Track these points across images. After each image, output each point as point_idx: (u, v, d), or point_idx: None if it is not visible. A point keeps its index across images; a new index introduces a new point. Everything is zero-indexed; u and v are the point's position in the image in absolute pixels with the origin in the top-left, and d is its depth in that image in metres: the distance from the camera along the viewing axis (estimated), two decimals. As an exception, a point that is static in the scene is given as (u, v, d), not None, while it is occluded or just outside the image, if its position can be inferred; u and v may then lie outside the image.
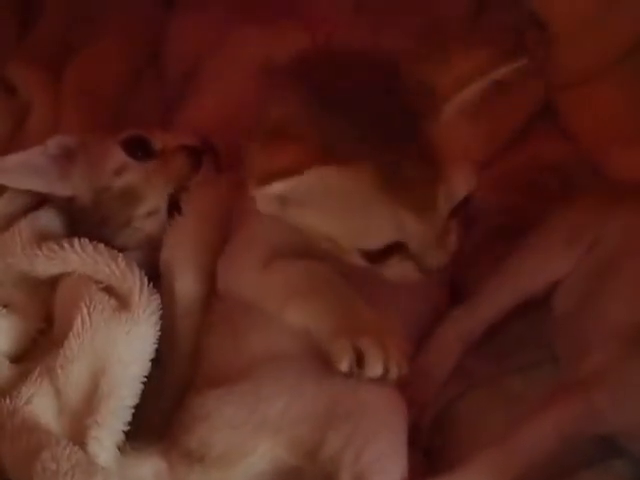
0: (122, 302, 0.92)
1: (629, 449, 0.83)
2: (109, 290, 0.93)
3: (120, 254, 0.95)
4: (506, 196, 1.08)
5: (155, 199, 1.02)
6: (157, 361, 0.92)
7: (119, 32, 1.27)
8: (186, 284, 0.96)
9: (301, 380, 0.85)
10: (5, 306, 0.99)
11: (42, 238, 0.99)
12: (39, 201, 1.05)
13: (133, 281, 0.92)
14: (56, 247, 0.96)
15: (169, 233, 0.98)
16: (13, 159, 1.02)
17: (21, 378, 0.90)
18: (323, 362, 0.83)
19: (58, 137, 1.05)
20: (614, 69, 1.12)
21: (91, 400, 0.87)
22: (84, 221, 1.03)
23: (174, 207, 1.01)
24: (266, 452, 0.83)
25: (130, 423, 0.88)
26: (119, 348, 0.89)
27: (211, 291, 0.95)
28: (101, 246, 0.95)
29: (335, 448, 0.81)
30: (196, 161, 1.03)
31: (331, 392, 0.83)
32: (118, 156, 1.03)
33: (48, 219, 1.04)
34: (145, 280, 0.93)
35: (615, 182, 1.06)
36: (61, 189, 1.03)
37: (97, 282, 0.93)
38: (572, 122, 1.13)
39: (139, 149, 1.03)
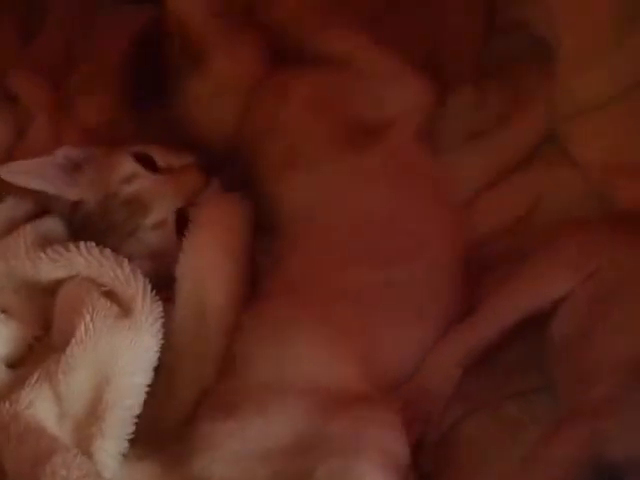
0: (125, 309, 0.92)
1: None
2: (112, 297, 0.93)
3: (125, 259, 0.95)
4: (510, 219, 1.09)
5: (162, 211, 1.02)
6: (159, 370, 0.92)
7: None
8: (216, 294, 0.96)
9: (309, 417, 0.85)
10: (3, 311, 0.98)
11: (47, 242, 0.99)
12: (42, 210, 1.05)
13: (136, 288, 0.92)
14: (62, 249, 0.96)
15: (186, 245, 0.98)
16: (22, 164, 1.02)
17: (18, 383, 0.89)
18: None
19: (65, 148, 1.05)
20: (623, 99, 1.10)
21: (95, 409, 0.87)
22: (88, 229, 1.02)
23: (182, 225, 1.01)
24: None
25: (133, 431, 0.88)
26: (123, 356, 0.89)
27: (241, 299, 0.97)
28: (107, 250, 0.95)
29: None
30: (206, 179, 1.04)
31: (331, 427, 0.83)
32: (129, 164, 1.02)
33: (53, 225, 1.03)
34: (148, 287, 0.93)
35: (622, 211, 1.06)
36: (68, 193, 1.03)
37: (100, 285, 0.93)
38: (579, 152, 1.12)
39: (147, 163, 1.03)
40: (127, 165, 1.02)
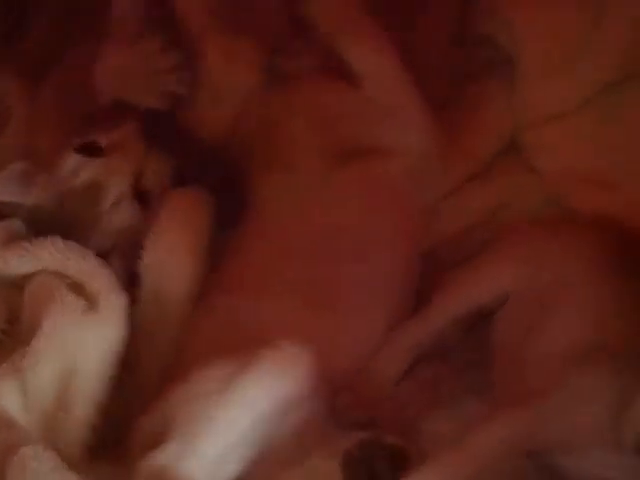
0: (91, 302, 0.92)
1: (561, 464, 0.88)
2: (78, 290, 0.94)
3: (90, 252, 0.96)
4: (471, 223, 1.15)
5: (117, 188, 1.03)
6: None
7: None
8: (176, 288, 0.98)
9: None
10: (-30, 306, 0.99)
11: (13, 240, 0.99)
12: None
13: (102, 281, 0.93)
14: (27, 244, 0.96)
15: (151, 238, 1.00)
16: None
17: (-16, 376, 0.90)
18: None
19: (16, 164, 1.05)
20: (581, 109, 1.15)
21: (61, 401, 0.88)
22: (52, 232, 1.02)
23: (142, 199, 1.03)
24: None
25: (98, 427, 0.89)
26: (89, 349, 0.90)
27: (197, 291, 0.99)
28: (73, 243, 0.96)
29: None
30: (146, 143, 1.05)
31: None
32: (70, 158, 1.04)
33: (19, 227, 1.03)
34: (114, 280, 0.94)
35: (572, 215, 1.11)
36: (23, 199, 1.04)
37: (67, 278, 0.94)
38: (538, 159, 1.16)
39: (90, 152, 1.04)
40: (69, 160, 1.03)
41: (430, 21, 1.20)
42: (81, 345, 0.89)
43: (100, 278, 0.93)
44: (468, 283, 1.03)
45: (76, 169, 1.03)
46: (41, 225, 1.03)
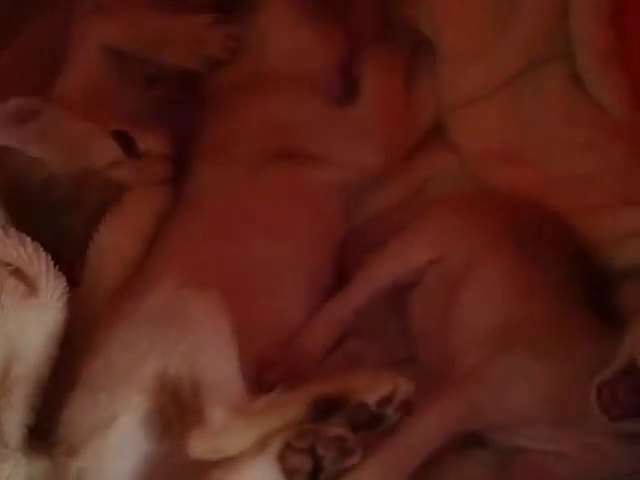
0: (30, 287, 0.94)
1: (494, 439, 0.93)
2: (18, 275, 0.94)
3: (28, 238, 0.96)
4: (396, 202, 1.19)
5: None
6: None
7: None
8: (109, 273, 1.01)
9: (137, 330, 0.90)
10: None
11: None
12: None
13: (40, 266, 0.94)
14: None
15: (106, 224, 1.03)
16: None
17: None
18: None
19: (17, 99, 1.05)
20: (500, 90, 1.20)
21: (4, 383, 0.89)
22: (44, 203, 1.05)
23: None
24: (128, 407, 0.87)
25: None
26: (30, 332, 0.91)
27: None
28: (11, 230, 0.96)
29: (175, 370, 0.86)
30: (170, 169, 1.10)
31: (157, 324, 0.89)
32: (113, 149, 1.06)
33: None
34: (51, 265, 0.95)
35: (490, 192, 1.16)
36: (24, 145, 1.04)
37: (6, 265, 0.94)
38: (460, 140, 1.21)
39: (128, 145, 1.07)
40: (110, 149, 1.06)
41: (361, 6, 1.24)
42: (21, 329, 0.91)
43: (38, 263, 0.94)
44: (386, 261, 1.07)
45: (114, 163, 1.06)
46: (35, 187, 1.05)
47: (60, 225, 1.04)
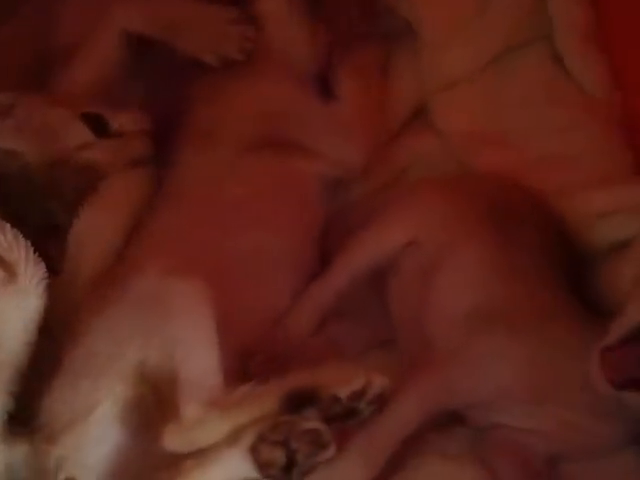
0: (10, 273, 0.93)
1: (472, 416, 0.94)
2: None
3: (7, 224, 0.95)
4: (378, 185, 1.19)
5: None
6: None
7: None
8: (89, 261, 1.01)
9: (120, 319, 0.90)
10: None
11: None
12: None
13: (19, 252, 0.94)
14: None
15: (86, 211, 1.03)
16: None
17: None
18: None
19: None
20: (482, 73, 1.21)
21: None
22: (20, 187, 1.04)
23: None
24: (109, 396, 0.87)
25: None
26: (10, 319, 0.91)
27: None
28: (-13, 216, 0.97)
29: (155, 361, 0.87)
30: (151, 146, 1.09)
31: (139, 313, 0.89)
32: (82, 131, 1.05)
33: None
34: (31, 251, 0.95)
35: (473, 174, 1.17)
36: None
37: (-15, 251, 0.95)
38: (442, 122, 1.22)
39: (98, 126, 1.06)
40: (77, 132, 1.05)
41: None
42: (2, 314, 0.91)
43: (18, 250, 0.94)
44: (366, 244, 1.07)
45: (84, 146, 1.05)
46: (13, 183, 1.04)
47: (41, 212, 1.03)
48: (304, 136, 1.13)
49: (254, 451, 0.81)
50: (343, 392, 0.83)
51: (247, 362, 0.99)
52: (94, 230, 1.03)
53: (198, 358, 0.86)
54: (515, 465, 0.90)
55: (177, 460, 0.84)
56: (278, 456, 0.81)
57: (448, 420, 0.93)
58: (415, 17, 1.22)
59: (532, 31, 1.20)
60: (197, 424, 0.83)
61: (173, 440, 0.84)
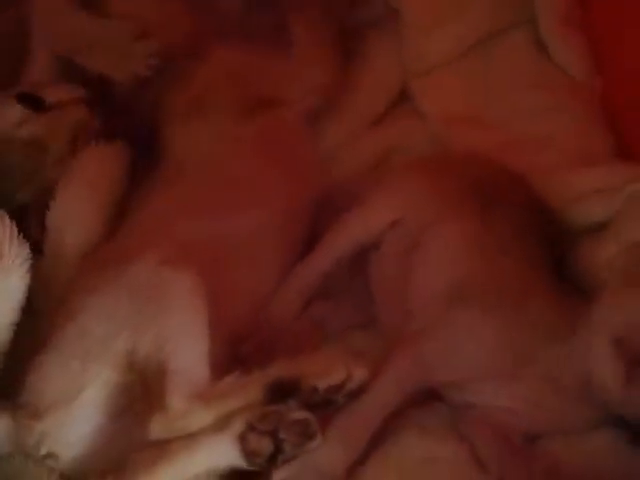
0: (-7, 253, 0.95)
1: (447, 396, 0.95)
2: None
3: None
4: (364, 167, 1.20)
5: (59, 149, 1.06)
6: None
7: None
8: (74, 242, 1.01)
9: (115, 302, 0.90)
10: None
11: None
12: None
13: (3, 232, 0.94)
14: None
15: (59, 190, 1.03)
16: None
17: None
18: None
19: None
20: (463, 57, 1.23)
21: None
22: None
23: None
24: (97, 379, 0.87)
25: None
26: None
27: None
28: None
29: (145, 350, 0.87)
30: (92, 112, 1.09)
31: (134, 300, 0.89)
32: (15, 109, 1.06)
33: None
34: (15, 231, 0.95)
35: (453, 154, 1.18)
36: None
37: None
38: (424, 105, 1.23)
39: (34, 103, 1.07)
40: (13, 110, 1.06)
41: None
42: (-14, 295, 0.91)
43: (2, 230, 0.94)
44: (351, 225, 1.07)
45: (20, 122, 1.05)
46: None
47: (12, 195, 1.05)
48: (276, 88, 1.15)
49: (242, 440, 0.82)
50: (322, 384, 0.85)
51: (238, 348, 0.99)
52: (73, 209, 1.03)
53: (188, 351, 0.87)
54: (495, 440, 0.91)
55: (161, 442, 0.85)
56: (266, 446, 0.82)
57: (427, 396, 0.94)
58: (398, 1, 1.23)
59: (515, 15, 1.22)
60: (182, 415, 0.84)
61: (158, 429, 0.85)
